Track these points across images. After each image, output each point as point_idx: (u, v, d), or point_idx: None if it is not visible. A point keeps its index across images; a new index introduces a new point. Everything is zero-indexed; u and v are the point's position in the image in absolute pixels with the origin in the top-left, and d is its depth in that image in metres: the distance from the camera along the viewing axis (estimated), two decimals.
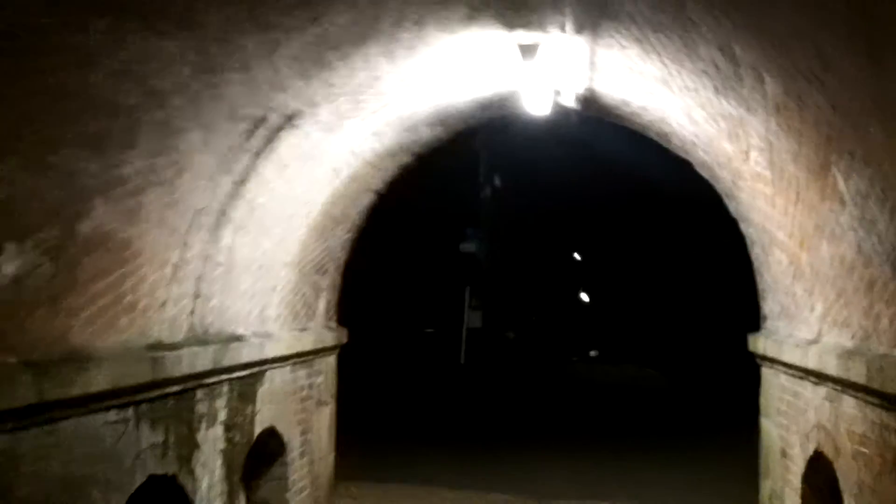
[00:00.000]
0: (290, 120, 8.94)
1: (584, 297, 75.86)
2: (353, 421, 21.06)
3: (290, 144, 9.39)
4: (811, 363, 8.53)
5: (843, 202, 7.22)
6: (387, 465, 16.55)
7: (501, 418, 24.41)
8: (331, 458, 13.37)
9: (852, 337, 7.51)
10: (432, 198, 41.95)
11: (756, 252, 10.97)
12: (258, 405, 10.46)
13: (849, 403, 7.65)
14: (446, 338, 45.83)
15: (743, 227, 11.14)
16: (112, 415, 7.24)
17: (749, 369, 11.92)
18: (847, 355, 7.46)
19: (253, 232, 9.72)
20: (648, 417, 26.66)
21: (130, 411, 7.51)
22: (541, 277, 69.70)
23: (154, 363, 7.73)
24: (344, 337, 13.71)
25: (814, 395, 8.77)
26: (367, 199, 12.69)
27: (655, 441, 21.31)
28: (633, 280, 63.93)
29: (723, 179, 10.76)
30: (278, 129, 8.91)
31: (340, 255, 13.07)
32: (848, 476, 7.62)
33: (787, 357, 9.55)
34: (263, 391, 10.60)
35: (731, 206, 11.16)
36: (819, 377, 8.43)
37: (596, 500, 14.43)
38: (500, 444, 19.75)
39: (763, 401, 11.31)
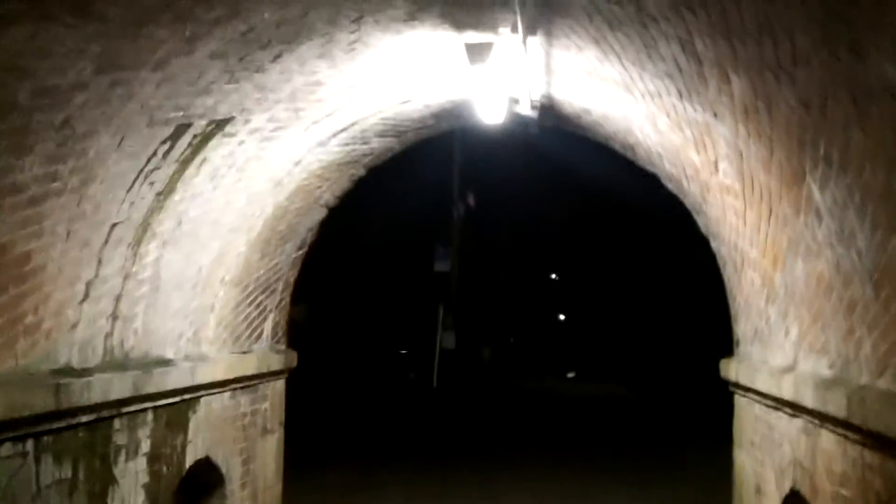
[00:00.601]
0: (220, 127, 8.21)
1: (561, 317, 75.34)
2: (316, 448, 20.41)
3: (223, 154, 8.66)
4: (786, 393, 7.81)
5: (819, 214, 6.53)
6: (346, 493, 15.81)
7: (469, 443, 23.66)
8: (277, 488, 12.61)
9: (831, 365, 6.81)
10: (402, 216, 41.33)
11: (728, 272, 10.28)
12: (191, 434, 9.70)
13: (827, 439, 6.94)
14: (419, 359, 45.09)
15: (714, 245, 10.46)
16: (6, 448, 6.48)
17: (722, 394, 11.27)
18: (825, 385, 6.75)
19: (185, 247, 8.98)
20: (620, 440, 26.02)
21: (29, 444, 6.75)
22: (516, 297, 69.16)
23: (59, 390, 6.96)
24: (294, 360, 12.97)
25: (789, 427, 8.06)
26: (317, 215, 11.96)
27: (627, 466, 20.64)
28: (610, 300, 63.31)
29: (691, 194, 10.08)
30: (207, 137, 8.17)
31: (290, 274, 12.33)
32: None
33: (761, 385, 8.83)
34: (197, 419, 9.84)
35: (701, 223, 10.48)
36: (795, 408, 7.72)
37: None
38: (466, 469, 19.02)
39: (736, 431, 10.61)
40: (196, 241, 9.16)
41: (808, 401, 7.11)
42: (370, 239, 39.61)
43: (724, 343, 11.32)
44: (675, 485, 17.97)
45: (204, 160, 8.39)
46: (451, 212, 50.64)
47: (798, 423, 7.74)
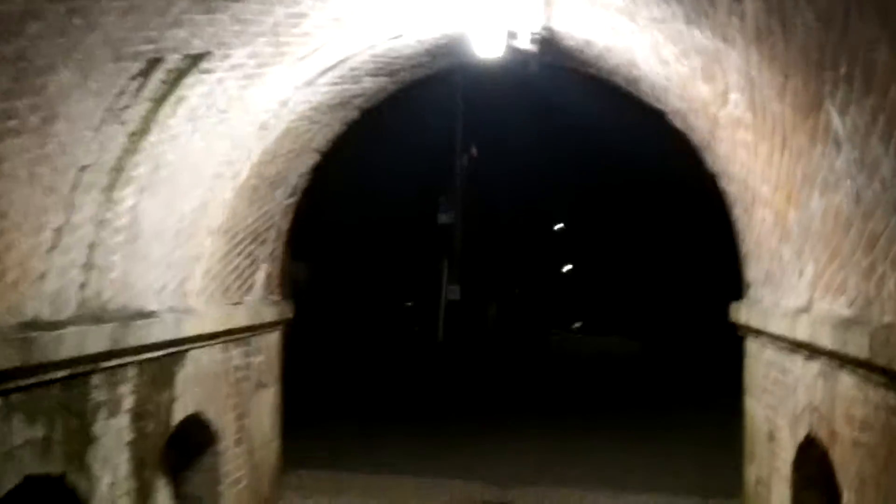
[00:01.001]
0: (196, 63, 7.70)
1: (567, 268, 74.86)
2: (316, 403, 19.97)
3: (201, 93, 8.16)
4: (801, 334, 7.36)
5: (838, 143, 6.05)
6: (347, 450, 15.40)
7: (473, 399, 23.16)
8: (275, 445, 12.19)
9: (850, 304, 6.34)
10: (405, 169, 40.81)
11: (737, 212, 9.80)
12: (178, 390, 9.26)
13: (847, 382, 6.49)
14: (424, 312, 44.68)
15: (722, 183, 9.97)
16: None
17: (730, 342, 10.82)
18: (844, 326, 6.29)
19: (165, 193, 8.50)
20: (626, 394, 25.44)
21: None
22: (521, 249, 68.68)
23: (27, 344, 6.50)
24: (289, 311, 12.52)
25: (805, 371, 7.61)
26: (308, 160, 11.46)
27: (632, 420, 20.08)
28: (616, 249, 62.67)
29: (699, 129, 9.58)
30: (182, 74, 7.66)
31: (281, 222, 11.85)
32: (847, 467, 6.46)
33: (774, 328, 8.37)
34: (185, 374, 9.40)
35: (709, 161, 9.99)
36: (811, 351, 7.27)
37: (565, 486, 13.28)
38: (469, 427, 18.55)
39: (747, 377, 10.16)
40: (177, 188, 8.68)
41: (826, 341, 6.66)
42: (373, 193, 39.10)
43: (734, 288, 10.88)
44: (678, 440, 17.51)
45: (181, 99, 7.89)
46: (453, 163, 50.03)
47: (814, 366, 7.29)
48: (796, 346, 7.70)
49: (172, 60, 7.39)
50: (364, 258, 38.82)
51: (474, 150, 52.70)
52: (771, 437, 8.88)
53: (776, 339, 8.43)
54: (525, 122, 52.53)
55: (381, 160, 38.78)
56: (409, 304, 43.78)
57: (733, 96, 7.85)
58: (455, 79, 45.44)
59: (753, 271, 9.68)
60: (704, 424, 18.70)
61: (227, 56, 7.98)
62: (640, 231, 54.29)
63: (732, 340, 10.68)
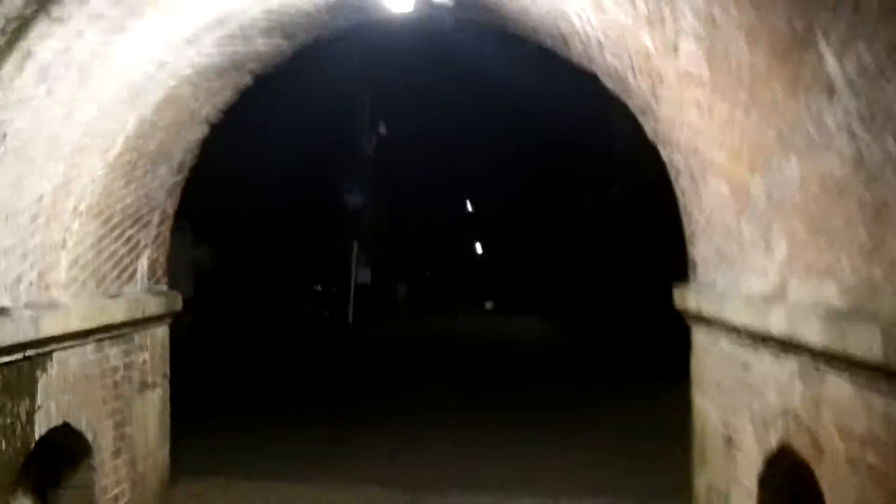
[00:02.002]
0: (43, 7, 6.36)
1: (479, 248, 74.01)
2: (214, 400, 18.53)
3: (56, 48, 6.81)
4: (775, 327, 6.21)
5: (832, 91, 4.89)
6: (244, 454, 13.96)
7: (381, 392, 21.58)
8: (162, 453, 10.84)
9: (844, 291, 5.20)
10: (312, 151, 39.43)
11: (683, 184, 8.65)
12: (41, 397, 7.89)
13: (839, 387, 5.34)
14: (334, 296, 43.33)
15: (665, 152, 8.82)
16: None
17: (657, 322, 9.69)
18: (842, 317, 5.14)
19: (14, 168, 7.13)
20: (549, 382, 24.06)
21: None
22: (432, 229, 67.68)
23: None
24: (178, 303, 11.16)
25: (776, 369, 6.47)
26: (196, 132, 10.13)
27: (556, 412, 18.70)
28: (532, 226, 61.44)
29: (637, 91, 8.41)
30: (27, 22, 6.32)
31: (167, 203, 10.50)
32: (841, 490, 5.31)
33: (733, 317, 7.22)
34: (49, 378, 8.03)
35: (649, 126, 8.82)
36: (786, 346, 6.13)
37: (481, 491, 12.04)
38: (377, 424, 17.02)
39: (696, 371, 9.01)
40: (30, 161, 7.31)
41: (814, 336, 5.51)
42: (279, 174, 37.66)
43: (664, 268, 9.81)
44: (604, 429, 16.41)
45: (28, 54, 6.54)
46: (361, 143, 48.67)
47: (790, 364, 6.16)
48: (764, 340, 6.57)
49: (11, 6, 6.04)
50: (271, 241, 37.30)
51: (383, 128, 51.40)
52: (729, 442, 7.75)
53: (734, 329, 7.30)
54: (438, 93, 51.38)
55: (288, 138, 37.39)
56: (319, 288, 42.29)
57: (685, 46, 6.68)
58: (362, 53, 44.18)
59: (703, 250, 8.54)
60: (630, 413, 17.62)
61: (83, 2, 6.64)
62: (560, 209, 53.02)
63: (657, 321, 9.55)
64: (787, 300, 6.11)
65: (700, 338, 8.78)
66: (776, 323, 6.16)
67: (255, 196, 36.03)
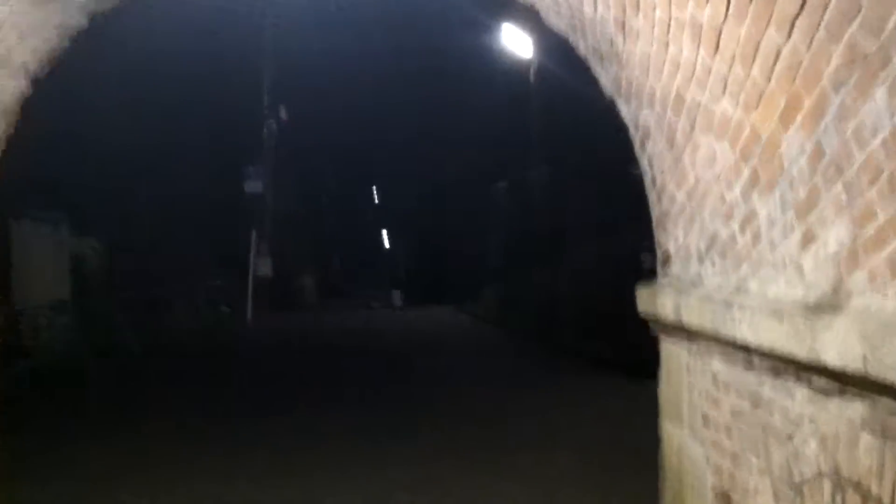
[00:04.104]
0: None
1: (387, 237, 72.15)
2: (83, 415, 15.78)
3: None
4: (827, 351, 4.07)
5: None
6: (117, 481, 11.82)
7: (284, 405, 18.30)
8: None
9: None
10: (209, 134, 37.15)
11: (652, 150, 6.57)
12: None
13: None
14: (234, 290, 40.86)
15: (627, 110, 6.74)
16: None
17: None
18: None
19: None
20: (468, 391, 20.45)
21: None
22: (340, 217, 65.62)
23: None
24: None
25: (816, 410, 4.38)
26: (9, 87, 7.78)
27: (480, 429, 15.47)
28: (444, 212, 59.13)
29: (596, 28, 6.30)
30: None
31: None
32: None
33: (744, 332, 5.09)
34: None
35: (608, 76, 6.73)
36: (846, 380, 4.01)
37: None
38: (281, 446, 14.31)
39: (667, 395, 6.92)
40: None
41: None
42: (174, 162, 35.28)
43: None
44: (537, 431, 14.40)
45: None
46: (262, 127, 46.16)
47: (854, 408, 4.07)
48: (802, 368, 4.47)
49: None
50: (163, 233, 34.76)
51: (284, 113, 48.99)
52: (724, 498, 5.68)
53: (743, 349, 5.20)
54: (338, 83, 49.37)
55: (183, 127, 35.23)
56: (218, 282, 39.67)
57: None
58: (263, 33, 41.94)
59: (680, 237, 6.45)
60: (562, 414, 15.70)
61: None
62: (475, 194, 50.82)
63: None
64: (847, 312, 4.02)
65: (675, 352, 6.67)
66: (830, 346, 4.06)
67: (150, 184, 33.77)
